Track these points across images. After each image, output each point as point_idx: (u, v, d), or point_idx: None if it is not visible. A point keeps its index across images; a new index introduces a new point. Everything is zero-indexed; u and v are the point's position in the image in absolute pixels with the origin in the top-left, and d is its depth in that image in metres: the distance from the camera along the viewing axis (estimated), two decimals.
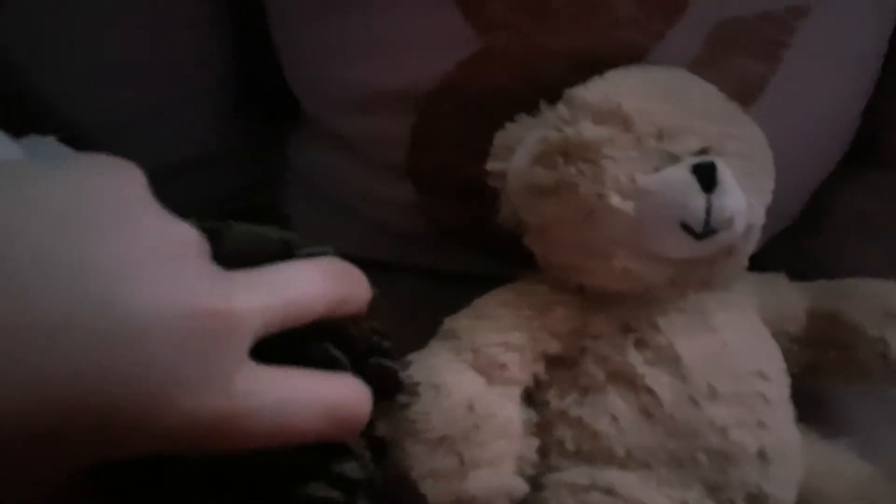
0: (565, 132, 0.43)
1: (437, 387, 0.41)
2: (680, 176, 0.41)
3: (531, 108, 0.48)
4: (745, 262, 0.46)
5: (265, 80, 0.62)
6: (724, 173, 0.41)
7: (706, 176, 0.41)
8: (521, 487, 0.42)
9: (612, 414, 0.43)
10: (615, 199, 0.42)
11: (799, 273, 0.52)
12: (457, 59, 0.52)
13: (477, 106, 0.52)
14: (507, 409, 0.42)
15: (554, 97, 0.47)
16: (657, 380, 0.43)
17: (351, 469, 0.33)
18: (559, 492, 0.43)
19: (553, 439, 0.44)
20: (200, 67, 0.63)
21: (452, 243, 0.59)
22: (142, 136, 0.59)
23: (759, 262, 0.50)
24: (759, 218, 0.44)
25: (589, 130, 0.42)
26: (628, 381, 0.44)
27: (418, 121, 0.54)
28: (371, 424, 0.36)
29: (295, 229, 0.63)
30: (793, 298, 0.50)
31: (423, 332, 0.46)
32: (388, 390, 0.36)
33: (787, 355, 0.47)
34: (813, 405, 0.47)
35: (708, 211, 0.41)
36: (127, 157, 0.32)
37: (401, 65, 0.54)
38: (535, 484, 0.44)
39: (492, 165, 0.47)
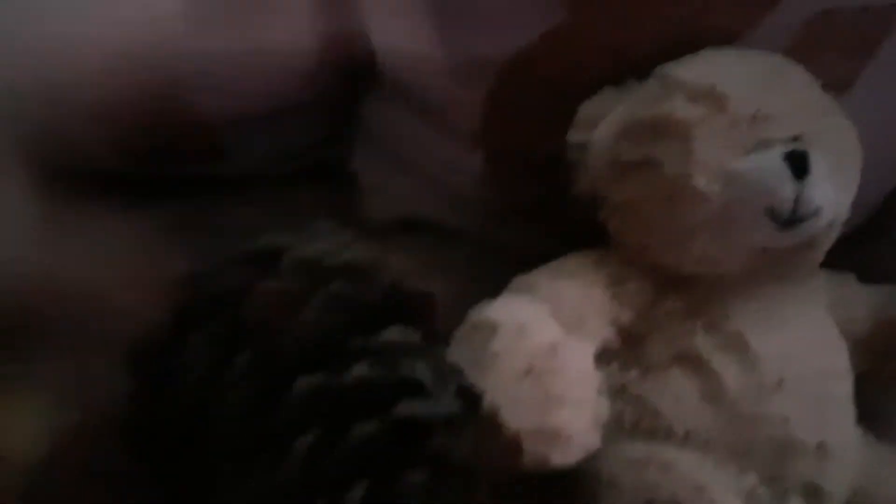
0: (656, 108, 0.43)
1: (521, 326, 0.41)
2: (771, 162, 0.41)
3: (612, 84, 0.48)
4: (822, 258, 0.46)
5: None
6: (817, 163, 0.41)
7: (798, 164, 0.41)
8: (596, 441, 0.42)
9: (675, 394, 0.43)
10: (701, 181, 0.41)
11: (863, 277, 0.52)
12: (541, 29, 0.51)
13: (556, 79, 0.52)
14: (586, 361, 0.42)
15: (637, 74, 0.47)
16: (724, 366, 0.43)
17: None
18: (614, 464, 0.43)
19: (613, 412, 0.44)
20: None
21: (516, 217, 0.59)
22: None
23: (825, 262, 0.50)
24: (843, 214, 0.44)
25: (681, 108, 0.42)
26: (694, 364, 0.44)
27: (495, 90, 0.54)
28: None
29: (361, 189, 0.64)
30: (861, 301, 0.49)
31: (474, 302, 0.45)
32: None
33: (850, 357, 0.47)
34: (871, 408, 0.47)
35: (796, 200, 0.41)
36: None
37: (484, 31, 0.53)
38: (590, 455, 0.44)
39: (573, 137, 0.47)
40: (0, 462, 0.38)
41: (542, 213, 0.56)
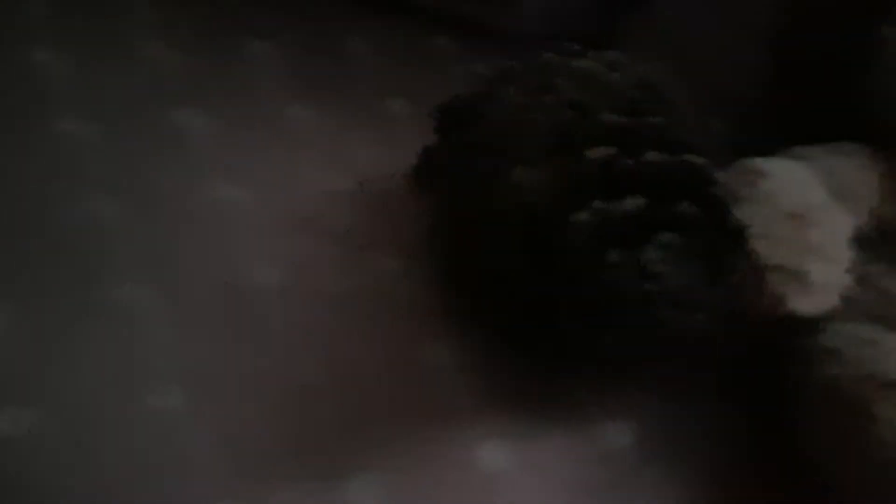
0: None
1: (795, 179, 0.42)
2: None
3: None
4: None
5: None
6: None
7: None
8: (834, 303, 0.42)
9: None
10: None
11: None
12: None
13: None
14: (846, 230, 0.42)
15: None
16: None
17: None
18: (839, 339, 0.42)
19: (849, 295, 0.44)
20: None
21: (786, 127, 0.59)
22: None
23: None
24: None
25: None
26: None
27: None
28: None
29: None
30: None
31: None
32: None
33: None
34: None
35: None
36: None
37: None
38: (817, 329, 0.44)
39: (889, 31, 0.46)
40: None
41: (815, 120, 0.56)
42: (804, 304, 0.41)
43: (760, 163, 0.42)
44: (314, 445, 0.39)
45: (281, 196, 0.49)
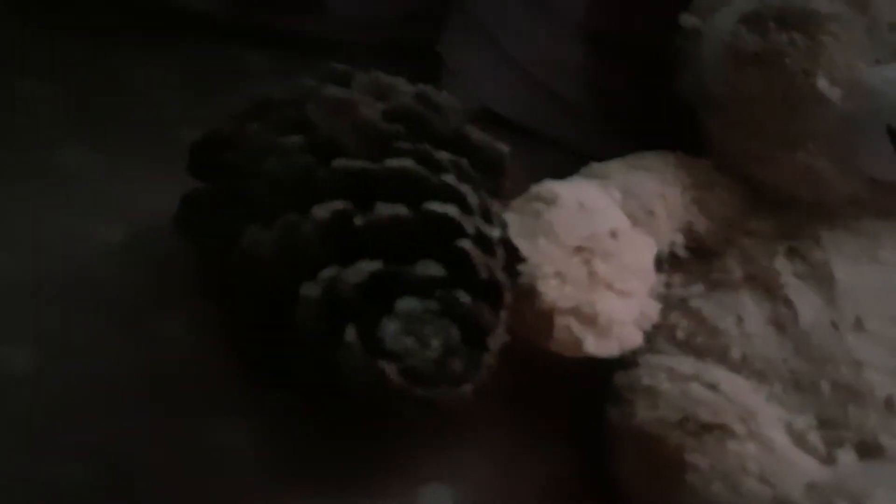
0: None
1: (582, 204, 0.38)
2: None
3: None
4: None
5: None
6: None
7: None
8: (637, 339, 0.39)
9: (739, 315, 0.40)
10: (823, 83, 0.37)
11: None
12: None
13: None
14: (645, 256, 0.39)
15: None
16: (801, 294, 0.39)
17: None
18: (656, 374, 0.39)
19: (664, 323, 0.41)
20: None
21: (607, 120, 0.56)
22: None
23: None
24: None
25: (818, 1, 0.38)
26: (767, 288, 0.40)
27: None
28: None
29: (444, 73, 0.61)
30: None
31: None
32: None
33: None
34: None
35: None
36: None
37: None
38: (629, 362, 0.41)
39: (688, 20, 0.43)
40: None
41: (639, 112, 0.53)
42: (601, 346, 0.37)
43: (549, 189, 0.39)
44: None
45: (42, 257, 0.43)
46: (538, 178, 0.44)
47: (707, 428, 0.37)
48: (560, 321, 0.36)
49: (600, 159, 0.49)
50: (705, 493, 0.36)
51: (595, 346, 0.37)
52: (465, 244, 0.31)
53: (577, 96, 0.55)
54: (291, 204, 0.31)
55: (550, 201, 0.38)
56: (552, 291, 0.36)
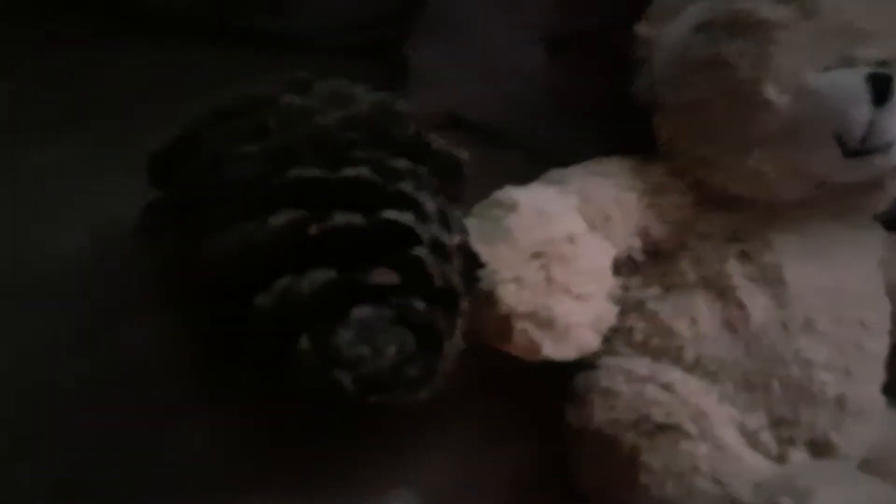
0: (738, 4, 0.39)
1: (541, 210, 0.38)
2: (851, 81, 0.37)
3: None
4: (886, 205, 0.42)
5: None
6: None
7: (881, 88, 0.37)
8: (594, 342, 0.39)
9: (693, 317, 0.40)
10: (770, 90, 0.38)
11: None
12: None
13: None
14: (602, 259, 0.40)
15: None
16: (752, 296, 0.40)
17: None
18: (614, 376, 0.40)
19: (622, 326, 0.41)
20: None
21: (569, 123, 0.57)
22: None
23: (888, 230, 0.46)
24: None
25: (766, 9, 0.38)
26: (720, 290, 0.40)
27: None
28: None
29: (410, 76, 0.61)
30: None
31: None
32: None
33: (894, 322, 0.43)
34: None
35: (869, 127, 0.37)
36: None
37: None
38: (589, 364, 0.41)
39: (642, 29, 0.44)
40: None
41: (596, 117, 0.53)
42: (559, 350, 0.38)
43: (509, 195, 0.39)
44: None
45: (2, 264, 0.43)
46: (503, 179, 0.45)
47: (661, 428, 0.38)
48: (518, 325, 0.36)
49: (563, 160, 0.50)
50: (659, 492, 0.37)
51: (553, 349, 0.37)
52: (420, 252, 0.32)
53: (539, 99, 0.56)
54: (248, 212, 0.31)
55: (510, 207, 0.38)
56: (510, 297, 0.36)
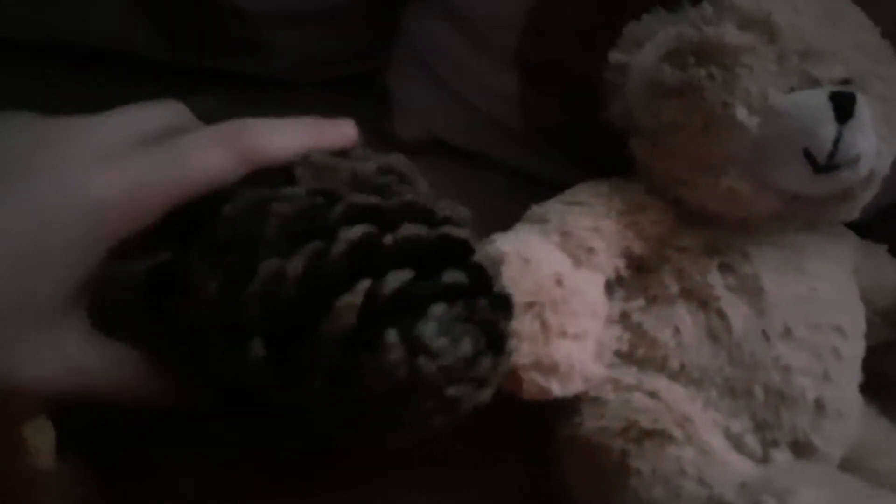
0: (704, 32, 0.41)
1: (526, 259, 0.40)
2: (815, 100, 0.39)
3: (663, 6, 0.46)
4: (857, 214, 0.44)
5: None
6: (863, 109, 0.39)
7: (843, 106, 0.39)
8: (600, 372, 0.41)
9: (676, 326, 0.42)
10: (741, 113, 0.40)
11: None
12: None
13: None
14: (593, 292, 0.42)
15: None
16: (733, 307, 0.42)
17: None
18: (602, 385, 0.42)
19: (608, 337, 0.43)
20: None
21: (546, 145, 0.58)
22: None
23: (861, 236, 0.48)
24: (884, 169, 0.42)
25: (731, 35, 0.41)
26: (701, 301, 0.42)
27: (535, 6, 0.52)
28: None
29: (391, 104, 0.62)
30: (889, 273, 0.47)
31: (503, 229, 0.45)
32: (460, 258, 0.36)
33: (868, 326, 0.45)
34: (880, 381, 0.46)
35: (836, 143, 0.39)
36: None
37: None
38: None
39: (615, 57, 0.46)
40: None
41: (574, 139, 0.55)
42: (568, 389, 0.40)
43: (496, 249, 0.41)
44: None
45: None
46: (483, 199, 0.46)
47: (648, 434, 0.40)
48: (525, 377, 0.39)
49: (543, 180, 0.52)
50: (648, 496, 0.39)
51: (562, 389, 0.40)
52: (481, 258, 0.35)
53: (515, 122, 0.58)
54: (310, 236, 0.33)
55: (502, 260, 0.40)
56: (516, 349, 0.38)
